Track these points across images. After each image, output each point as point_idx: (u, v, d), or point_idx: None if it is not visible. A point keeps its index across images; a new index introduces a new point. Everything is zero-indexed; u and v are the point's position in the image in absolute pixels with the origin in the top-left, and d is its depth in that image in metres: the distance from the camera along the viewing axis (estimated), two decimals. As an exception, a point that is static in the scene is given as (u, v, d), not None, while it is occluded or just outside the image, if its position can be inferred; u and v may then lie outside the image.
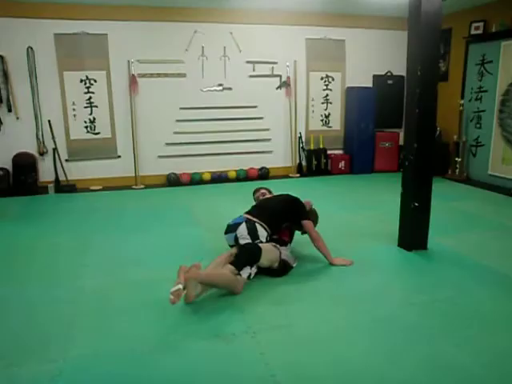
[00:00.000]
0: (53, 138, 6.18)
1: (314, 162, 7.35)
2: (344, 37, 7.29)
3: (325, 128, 7.54)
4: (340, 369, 2.12)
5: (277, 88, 7.14)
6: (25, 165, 6.04)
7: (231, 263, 2.90)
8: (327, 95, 7.44)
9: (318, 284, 3.08)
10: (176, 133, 6.72)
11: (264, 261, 3.01)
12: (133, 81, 6.44)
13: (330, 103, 7.48)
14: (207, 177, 6.77)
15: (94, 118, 6.45)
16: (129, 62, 6.42)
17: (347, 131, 7.57)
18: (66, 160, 6.39)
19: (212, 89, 6.82)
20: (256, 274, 3.04)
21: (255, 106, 7.02)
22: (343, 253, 3.55)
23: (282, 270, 3.17)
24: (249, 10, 6.62)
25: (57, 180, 6.24)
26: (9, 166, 6.07)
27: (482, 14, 6.38)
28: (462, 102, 6.70)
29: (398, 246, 3.79)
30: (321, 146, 7.44)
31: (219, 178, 6.80)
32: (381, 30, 7.35)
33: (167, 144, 6.74)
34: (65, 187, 6.22)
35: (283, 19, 6.87)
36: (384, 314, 2.64)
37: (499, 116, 6.16)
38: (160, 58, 6.53)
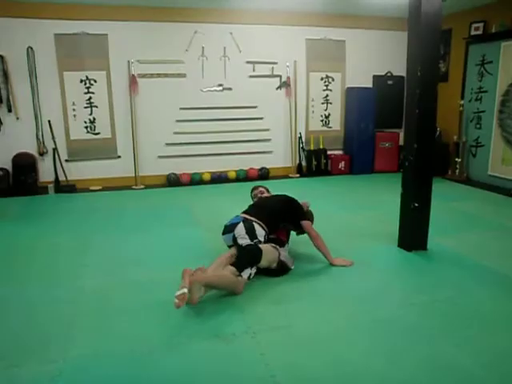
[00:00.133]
0: (53, 138, 6.18)
1: (314, 163, 7.35)
2: (344, 37, 7.29)
3: (325, 128, 7.54)
4: (340, 369, 2.12)
5: (277, 88, 7.14)
6: (25, 165, 6.04)
7: (232, 264, 2.91)
8: (327, 95, 7.44)
9: (318, 284, 3.08)
10: (176, 133, 6.73)
11: (263, 262, 3.02)
12: (133, 81, 6.44)
13: (330, 103, 7.49)
14: (207, 177, 6.77)
15: (94, 119, 6.45)
16: (129, 62, 6.42)
17: (347, 131, 7.57)
18: (66, 160, 6.39)
19: (212, 89, 6.82)
20: (255, 274, 3.05)
21: (255, 107, 7.02)
22: (343, 253, 3.55)
23: (279, 270, 3.18)
24: (249, 10, 6.63)
25: (57, 180, 6.24)
26: (9, 166, 6.07)
27: (481, 15, 6.38)
28: (461, 102, 6.70)
29: (398, 246, 3.79)
30: (321, 147, 7.44)
31: (219, 179, 6.80)
32: (381, 30, 7.36)
33: (167, 144, 6.74)
34: (65, 187, 6.22)
35: (283, 19, 6.87)
36: (384, 314, 2.64)
37: (499, 116, 6.16)
38: (160, 59, 6.53)
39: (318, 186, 6.58)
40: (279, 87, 7.15)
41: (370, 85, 7.57)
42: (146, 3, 6.15)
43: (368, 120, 7.27)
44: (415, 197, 3.62)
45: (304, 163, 7.41)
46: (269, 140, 7.21)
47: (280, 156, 7.34)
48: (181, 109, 6.69)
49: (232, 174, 6.86)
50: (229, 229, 3.25)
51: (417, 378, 2.04)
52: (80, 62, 6.24)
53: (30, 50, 5.99)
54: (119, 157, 6.64)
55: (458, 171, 6.79)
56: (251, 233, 3.13)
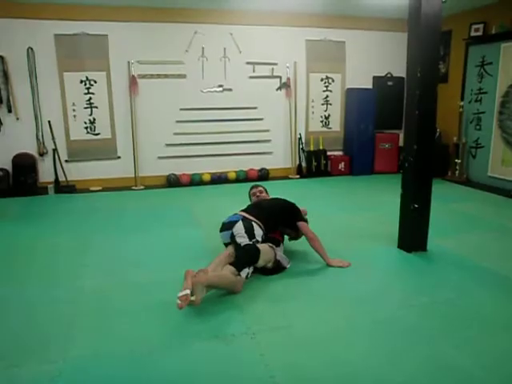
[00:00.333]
0: (53, 138, 6.18)
1: (314, 163, 7.35)
2: (344, 38, 7.30)
3: (325, 129, 7.54)
4: (339, 370, 2.12)
5: (277, 89, 7.15)
6: (25, 165, 6.04)
7: (231, 264, 2.93)
8: (327, 96, 7.45)
9: (318, 284, 3.09)
10: (176, 134, 6.73)
11: (261, 261, 3.05)
12: (133, 82, 6.45)
13: (330, 104, 7.49)
14: (207, 178, 6.77)
15: (94, 119, 6.45)
16: (129, 62, 6.42)
17: (347, 132, 7.57)
18: (66, 161, 6.39)
19: (212, 90, 6.82)
20: (252, 272, 3.06)
21: (255, 107, 7.03)
22: (343, 254, 3.55)
23: (274, 269, 3.21)
24: (249, 11, 6.63)
25: (56, 181, 6.24)
26: (9, 166, 6.07)
27: (481, 16, 6.39)
28: (461, 103, 6.71)
29: (398, 247, 3.79)
30: (321, 147, 7.44)
31: (219, 179, 6.80)
32: (381, 31, 7.36)
33: (167, 145, 6.74)
34: (64, 188, 6.22)
35: (283, 20, 6.88)
36: (384, 315, 2.64)
37: (499, 118, 6.16)
38: (160, 59, 6.53)
39: (317, 186, 6.58)
40: (279, 88, 7.15)
41: (369, 86, 7.58)
42: (146, 4, 6.15)
43: (368, 121, 7.27)
44: (415, 198, 3.62)
45: (304, 164, 7.41)
46: (269, 141, 7.21)
47: (280, 157, 7.34)
48: (181, 109, 6.69)
49: (232, 175, 6.86)
50: (227, 226, 3.25)
51: (416, 379, 2.04)
52: (80, 62, 6.24)
53: (30, 50, 5.99)
54: (119, 157, 6.64)
55: (457, 172, 6.79)
56: (250, 232, 3.14)
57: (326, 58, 7.29)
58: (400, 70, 7.34)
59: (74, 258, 3.62)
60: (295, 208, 3.54)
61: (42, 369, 2.12)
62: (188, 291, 2.54)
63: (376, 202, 5.46)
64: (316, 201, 5.43)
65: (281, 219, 3.45)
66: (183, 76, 6.67)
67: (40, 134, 6.20)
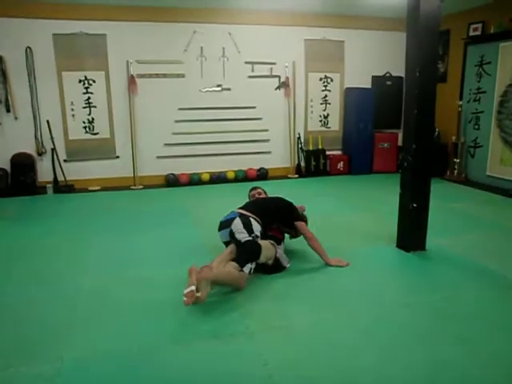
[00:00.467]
0: (51, 138, 6.17)
1: (313, 163, 7.35)
2: (343, 38, 7.30)
3: (323, 129, 7.55)
4: (339, 369, 2.12)
5: (276, 89, 7.15)
6: (23, 165, 6.04)
7: (233, 260, 2.95)
8: (326, 96, 7.45)
9: (317, 284, 3.09)
10: (175, 133, 6.72)
11: (262, 257, 3.06)
12: (131, 81, 6.44)
13: (329, 104, 7.49)
14: (206, 177, 6.77)
15: (93, 119, 6.44)
16: (127, 62, 6.42)
17: (346, 132, 7.58)
18: (65, 160, 6.39)
19: (211, 89, 6.82)
20: (254, 268, 3.06)
21: (254, 107, 7.02)
22: (342, 253, 3.55)
23: (274, 267, 3.23)
24: (248, 10, 6.62)
25: (55, 180, 6.23)
26: (7, 166, 6.06)
27: (480, 16, 6.39)
28: (460, 103, 6.71)
29: (397, 246, 3.80)
30: (319, 147, 7.44)
31: (218, 179, 6.80)
32: (380, 31, 7.36)
33: (166, 144, 6.73)
34: (63, 187, 6.22)
35: (282, 20, 6.88)
36: (382, 314, 2.64)
37: (497, 117, 6.17)
38: (159, 59, 6.53)
39: (316, 186, 6.58)
40: (278, 87, 7.15)
41: (368, 85, 7.58)
42: (144, 3, 6.14)
43: (367, 120, 7.28)
44: (414, 197, 3.62)
45: (303, 163, 7.41)
46: (268, 140, 7.21)
47: (279, 156, 7.34)
48: (179, 109, 6.69)
49: (231, 175, 6.86)
50: (225, 224, 3.27)
51: (416, 378, 2.04)
52: (79, 62, 6.24)
53: (28, 50, 5.98)
54: (118, 157, 6.64)
55: (456, 172, 6.79)
56: (248, 228, 3.15)
57: (324, 57, 7.29)
58: (399, 70, 7.35)
59: (73, 258, 3.62)
60: (292, 207, 3.54)
61: (41, 368, 2.12)
62: (193, 287, 2.55)
63: (375, 202, 5.46)
64: (315, 200, 5.43)
65: (277, 216, 3.45)
66: (182, 75, 6.66)
67: (39, 133, 6.19)
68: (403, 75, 3.77)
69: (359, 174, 7.31)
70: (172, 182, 6.62)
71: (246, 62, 6.91)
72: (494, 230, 4.33)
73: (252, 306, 2.75)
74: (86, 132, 6.45)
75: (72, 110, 6.33)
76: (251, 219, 3.22)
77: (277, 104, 7.17)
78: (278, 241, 3.40)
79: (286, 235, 3.65)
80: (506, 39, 5.93)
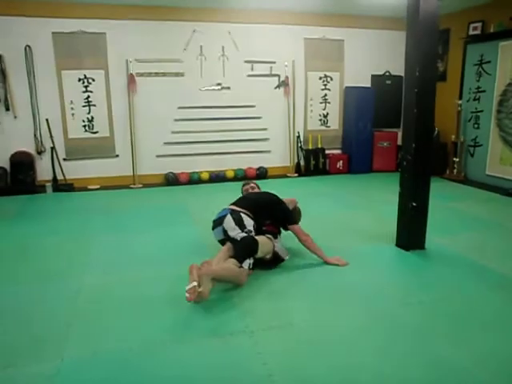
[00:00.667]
0: (51, 136, 6.17)
1: (313, 162, 7.35)
2: (342, 37, 7.30)
3: (323, 128, 7.54)
4: (338, 368, 2.12)
5: (275, 87, 7.14)
6: (23, 164, 6.03)
7: (232, 257, 2.96)
8: (326, 95, 7.44)
9: (316, 283, 3.09)
10: (174, 132, 6.72)
11: (260, 252, 3.09)
12: (131, 80, 6.43)
13: (329, 103, 7.49)
14: (205, 176, 6.77)
15: (92, 117, 6.43)
16: (127, 61, 6.41)
17: (345, 131, 7.57)
18: (64, 159, 6.38)
19: (210, 88, 6.81)
20: (253, 264, 3.07)
21: (253, 106, 7.02)
22: (341, 252, 3.55)
23: (273, 261, 3.25)
24: (247, 9, 6.62)
25: (55, 179, 6.23)
26: (7, 164, 6.06)
27: (479, 15, 6.39)
28: (460, 102, 6.71)
29: (396, 245, 3.80)
30: (319, 146, 7.44)
31: (217, 178, 6.80)
32: (379, 30, 7.36)
33: (165, 143, 6.73)
34: (63, 186, 6.21)
35: (281, 19, 6.87)
36: (381, 313, 2.65)
37: (497, 116, 6.17)
38: (158, 57, 6.52)
39: (316, 185, 6.58)
40: (277, 86, 7.14)
41: (368, 84, 7.58)
42: (144, 2, 6.14)
43: (366, 119, 7.28)
44: (413, 196, 3.63)
45: (302, 162, 7.41)
46: (267, 139, 7.21)
47: (278, 155, 7.34)
48: (179, 108, 6.68)
49: (230, 174, 6.86)
50: (218, 222, 3.29)
51: (415, 378, 2.05)
52: (78, 60, 6.23)
53: (27, 48, 5.97)
54: (117, 156, 6.63)
55: (455, 171, 6.80)
56: (240, 223, 3.16)
57: (324, 56, 7.28)
58: (398, 69, 7.35)
59: (72, 257, 3.62)
60: (283, 207, 3.50)
61: (39, 368, 2.12)
62: (195, 283, 2.56)
63: (374, 201, 5.46)
64: (314, 199, 5.44)
65: (268, 212, 3.43)
66: (181, 74, 6.66)
67: (38, 132, 6.19)
68: (403, 74, 3.77)
69: (359, 173, 7.31)
70: (171, 180, 6.62)
71: (246, 61, 6.90)
72: (493, 229, 4.33)
73: (251, 304, 2.75)
74: (86, 131, 6.45)
75: (71, 108, 6.32)
76: (242, 214, 3.23)
77: (276, 103, 7.17)
78: (274, 235, 3.42)
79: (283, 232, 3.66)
80: (506, 38, 5.92)
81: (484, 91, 6.39)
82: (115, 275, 3.26)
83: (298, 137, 7.35)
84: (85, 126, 6.43)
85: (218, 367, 2.13)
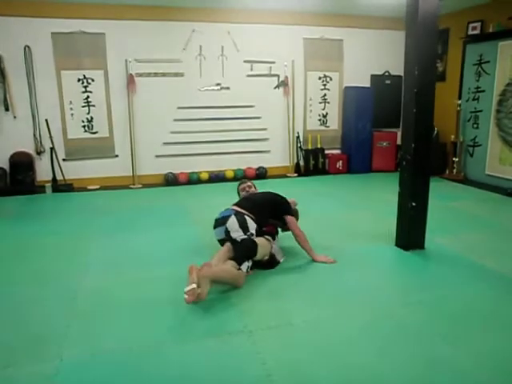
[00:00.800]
0: (50, 137, 6.17)
1: (312, 162, 7.35)
2: (342, 36, 7.30)
3: (322, 128, 7.55)
4: (337, 368, 2.12)
5: (275, 87, 7.14)
6: (22, 164, 6.03)
7: (231, 259, 2.97)
8: (325, 95, 7.44)
9: (315, 282, 3.09)
10: (174, 132, 6.72)
11: (258, 255, 3.09)
12: (130, 80, 6.43)
13: (328, 103, 7.49)
14: (205, 176, 6.77)
15: (92, 118, 6.43)
16: (126, 61, 6.41)
17: (345, 131, 7.58)
18: (64, 159, 6.38)
19: (210, 88, 6.81)
20: (251, 266, 3.08)
21: (253, 106, 7.02)
22: (340, 252, 3.56)
23: (270, 263, 3.26)
24: (246, 9, 6.62)
25: (54, 179, 6.23)
26: (6, 165, 6.06)
27: (479, 15, 6.39)
28: (459, 102, 6.71)
29: (396, 245, 3.80)
30: (318, 146, 7.44)
31: (217, 178, 6.80)
32: (378, 29, 7.36)
33: (165, 143, 6.73)
34: (62, 187, 6.21)
35: (281, 19, 6.87)
36: (381, 313, 2.65)
37: (496, 116, 6.17)
38: (158, 58, 6.52)
39: (315, 185, 6.58)
40: (277, 86, 7.14)
41: (367, 84, 7.58)
42: (143, 2, 6.14)
43: (366, 119, 7.28)
44: (413, 196, 3.62)
45: (302, 162, 7.41)
46: (267, 139, 7.21)
47: (278, 155, 7.34)
48: (178, 108, 6.68)
49: (230, 174, 6.85)
50: (220, 222, 3.27)
51: (413, 376, 2.05)
52: (77, 60, 6.23)
53: (27, 48, 5.97)
54: (117, 156, 6.63)
55: (455, 171, 6.80)
56: (244, 226, 3.16)
57: (323, 56, 7.29)
58: (398, 69, 7.33)
59: (71, 257, 3.62)
60: (282, 200, 3.56)
61: (39, 368, 2.12)
62: (194, 285, 2.57)
63: (374, 201, 5.46)
64: (314, 199, 5.44)
65: (271, 212, 3.46)
66: (181, 74, 6.66)
67: (37, 132, 6.19)
68: (402, 74, 3.76)
69: (358, 173, 7.31)
70: (171, 180, 6.61)
71: (245, 61, 6.90)
72: (492, 228, 4.33)
73: (250, 304, 2.75)
74: (85, 131, 6.45)
75: (71, 109, 6.32)
76: (246, 217, 3.23)
77: (276, 103, 7.17)
78: (272, 236, 3.43)
79: (280, 233, 3.66)
80: (505, 38, 5.93)
81: (483, 91, 6.39)
82: (115, 275, 3.26)
83: (298, 137, 7.35)
84: (84, 127, 6.43)
85: (216, 367, 2.13)
